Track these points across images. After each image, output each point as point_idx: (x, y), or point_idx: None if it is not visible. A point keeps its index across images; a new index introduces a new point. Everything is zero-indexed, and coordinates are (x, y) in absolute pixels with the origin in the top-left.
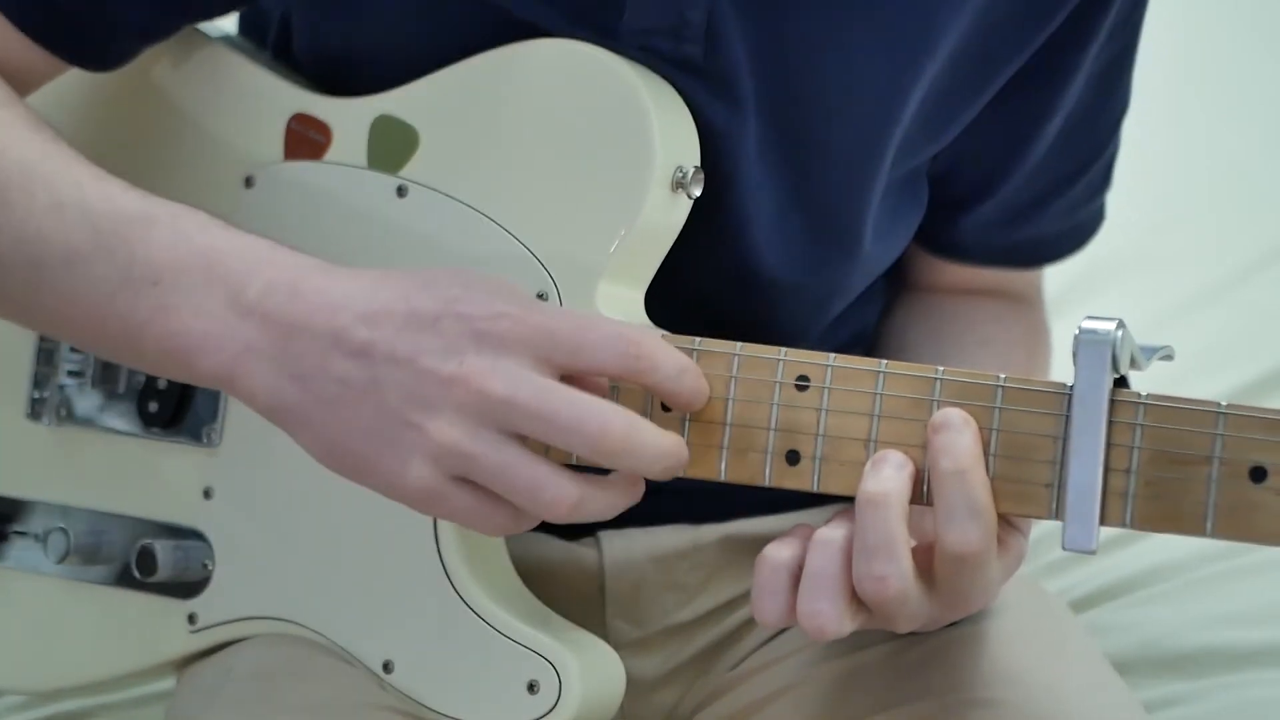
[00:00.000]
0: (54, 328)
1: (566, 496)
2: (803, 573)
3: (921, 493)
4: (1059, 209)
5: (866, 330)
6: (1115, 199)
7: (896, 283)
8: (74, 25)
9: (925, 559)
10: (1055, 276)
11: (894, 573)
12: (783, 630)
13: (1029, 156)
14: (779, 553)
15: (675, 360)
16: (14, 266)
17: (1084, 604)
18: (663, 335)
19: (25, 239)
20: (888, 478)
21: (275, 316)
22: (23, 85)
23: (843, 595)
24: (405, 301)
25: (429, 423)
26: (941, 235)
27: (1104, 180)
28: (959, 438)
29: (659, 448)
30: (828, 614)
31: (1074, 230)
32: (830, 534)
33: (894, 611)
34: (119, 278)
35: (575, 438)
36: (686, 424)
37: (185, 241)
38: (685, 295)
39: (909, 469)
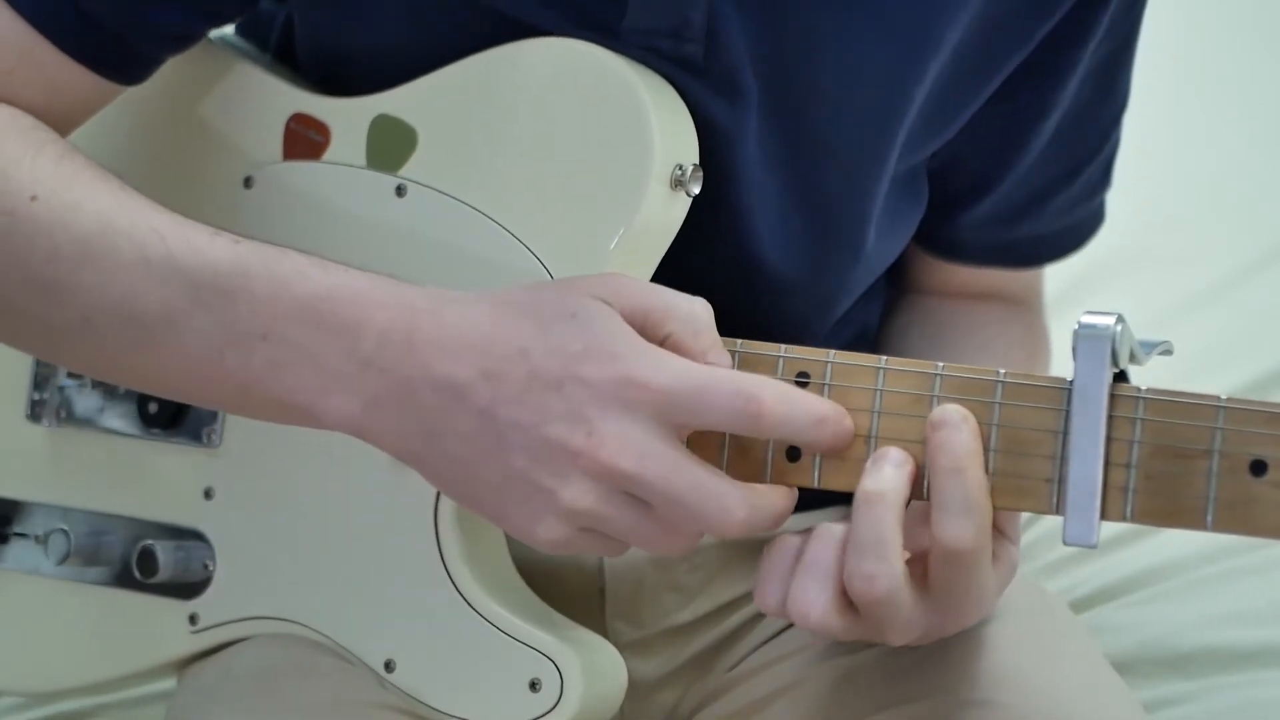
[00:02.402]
0: (162, 387)
1: (690, 546)
2: (800, 559)
3: (922, 489)
4: (1058, 206)
5: (869, 329)
6: (1115, 199)
7: (896, 285)
8: (112, 37)
9: (920, 567)
10: (1055, 276)
11: (883, 571)
12: (782, 630)
13: (1028, 153)
14: (789, 542)
15: (808, 412)
16: (111, 329)
17: (1084, 604)
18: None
19: (118, 298)
20: (887, 476)
21: (395, 370)
22: (68, 122)
23: (833, 586)
24: (525, 359)
25: (560, 489)
26: (941, 233)
27: (1104, 178)
28: (957, 434)
29: (776, 516)
30: (814, 600)
31: (1074, 228)
32: (835, 527)
33: (883, 614)
34: (223, 335)
35: (698, 522)
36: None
37: (286, 292)
38: (688, 292)
39: (909, 467)
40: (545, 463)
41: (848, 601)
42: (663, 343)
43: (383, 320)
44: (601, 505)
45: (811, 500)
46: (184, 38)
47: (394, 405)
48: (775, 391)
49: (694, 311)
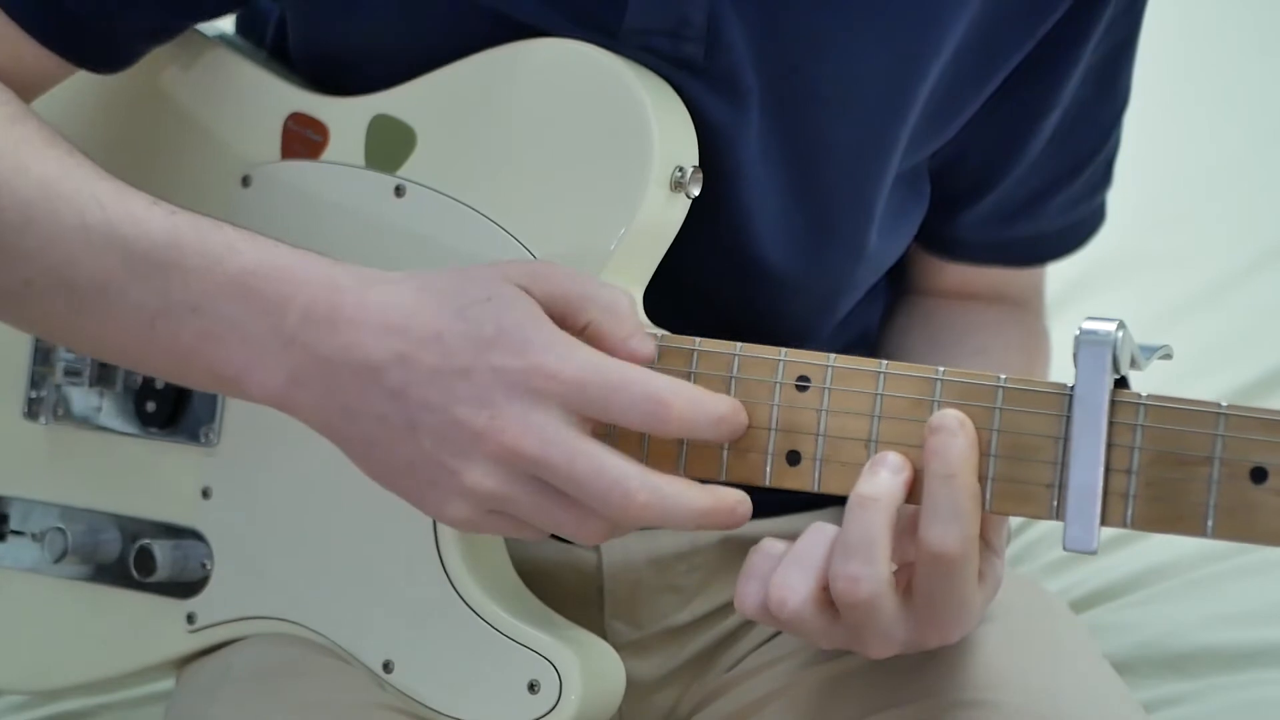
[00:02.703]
0: (98, 352)
1: (601, 534)
2: (790, 550)
3: (919, 493)
4: (1059, 205)
5: (871, 330)
6: (1115, 198)
7: (896, 286)
8: (83, 28)
9: (905, 577)
10: (1055, 277)
11: (867, 575)
12: (780, 632)
13: (1028, 151)
14: (774, 546)
15: (709, 412)
16: (51, 294)
17: (1084, 604)
18: (663, 336)
19: (56, 264)
20: (882, 481)
21: (315, 348)
22: (30, 90)
23: (815, 578)
24: (439, 342)
25: (464, 470)
26: (941, 232)
27: (1104, 177)
28: (952, 441)
29: (691, 509)
30: (795, 587)
31: (1074, 227)
32: (829, 526)
33: (863, 619)
34: (156, 304)
35: (600, 505)
36: None
37: (217, 266)
38: (690, 294)
39: (905, 474)
40: (451, 444)
41: (828, 599)
42: (583, 331)
43: (307, 297)
44: (505, 487)
45: (806, 502)
46: (160, 32)
47: (315, 382)
48: (684, 395)
49: (614, 300)
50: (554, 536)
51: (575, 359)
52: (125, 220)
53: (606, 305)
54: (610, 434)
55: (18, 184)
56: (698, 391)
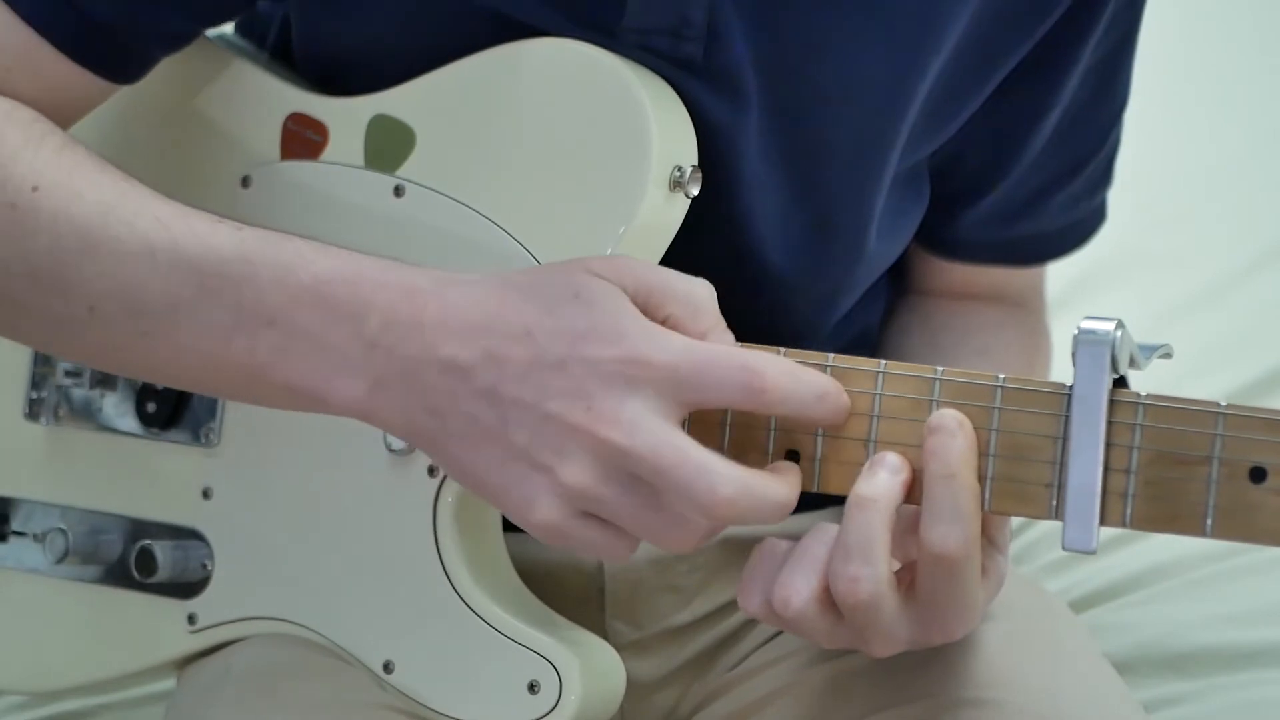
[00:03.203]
0: (168, 377)
1: (691, 538)
2: (793, 551)
3: (918, 493)
4: (1059, 204)
5: (871, 330)
6: (1115, 198)
7: (896, 285)
8: (108, 37)
9: (908, 576)
10: (1055, 277)
11: (867, 575)
12: (781, 631)
13: (1029, 150)
14: (776, 545)
15: (810, 388)
16: (117, 319)
17: (1084, 604)
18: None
19: (122, 288)
20: (881, 482)
21: (399, 351)
22: (66, 117)
23: (818, 579)
24: (530, 339)
25: (558, 466)
26: (942, 232)
27: (1105, 176)
28: (951, 441)
29: (773, 504)
30: (798, 588)
31: (1075, 227)
32: (832, 526)
33: (865, 620)
34: (230, 322)
35: (684, 499)
36: (686, 424)
37: (291, 276)
38: None
39: (904, 475)
40: (545, 439)
41: (832, 600)
42: (663, 324)
43: (386, 301)
44: (599, 485)
45: (807, 502)
46: (180, 36)
47: (399, 386)
48: (779, 366)
49: (693, 292)
50: None
51: (669, 345)
52: (191, 239)
53: (685, 297)
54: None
55: (75, 211)
56: (796, 366)
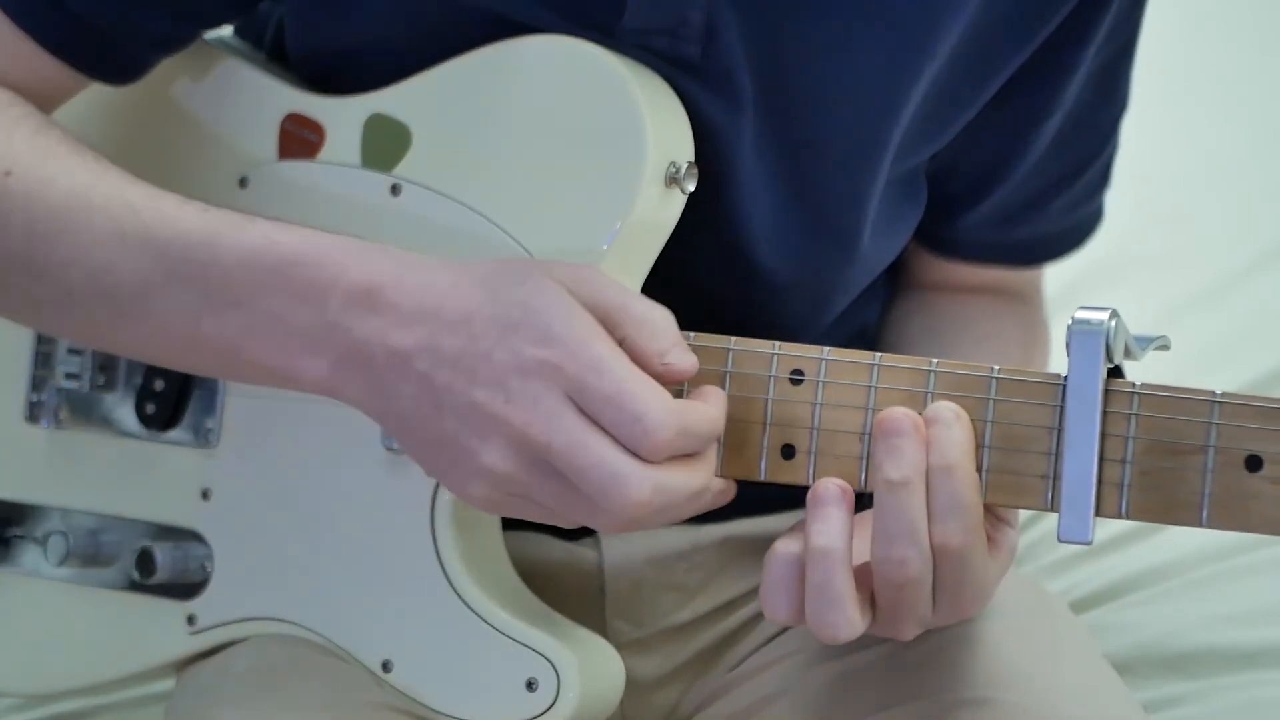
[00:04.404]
0: (146, 355)
1: (620, 525)
2: (806, 585)
3: None
4: (1058, 208)
5: (868, 328)
6: (1115, 198)
7: (896, 280)
8: (98, 40)
9: None
10: (1055, 276)
11: (913, 556)
12: (782, 630)
13: (1028, 155)
14: (788, 547)
15: (695, 443)
16: (91, 300)
17: (1084, 604)
18: None
19: (94, 271)
20: (908, 461)
21: (356, 334)
22: (46, 104)
23: (850, 602)
24: (466, 325)
25: (482, 452)
26: (941, 233)
27: (1103, 179)
28: (949, 433)
29: (690, 495)
30: (840, 623)
31: (1073, 229)
32: (825, 543)
33: (908, 599)
34: (198, 304)
35: (600, 498)
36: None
37: (255, 259)
38: (685, 292)
39: (924, 450)
40: (470, 425)
41: (866, 605)
42: (620, 344)
43: (347, 284)
44: (520, 471)
45: (786, 501)
46: (172, 41)
47: (356, 367)
48: (671, 425)
49: (650, 316)
50: (544, 529)
51: (585, 355)
52: (159, 222)
53: (641, 319)
54: None
55: (48, 194)
56: (692, 423)
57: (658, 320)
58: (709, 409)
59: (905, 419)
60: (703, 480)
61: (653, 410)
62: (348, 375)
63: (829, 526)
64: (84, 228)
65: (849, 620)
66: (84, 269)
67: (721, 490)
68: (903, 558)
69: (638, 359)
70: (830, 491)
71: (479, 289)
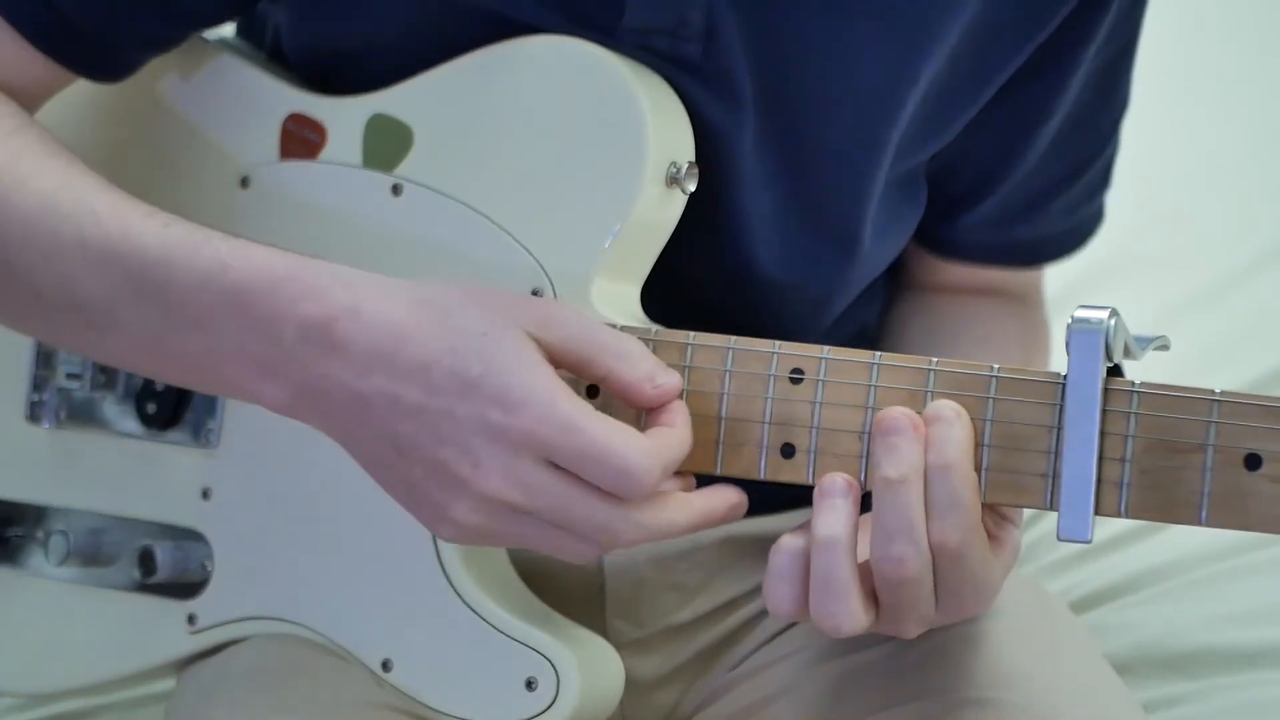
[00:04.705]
0: (119, 364)
1: (589, 554)
2: (811, 576)
3: None
4: (1059, 208)
5: (868, 328)
6: (1115, 198)
7: (896, 281)
8: (86, 38)
9: None
10: (1055, 276)
11: (911, 553)
12: (783, 630)
13: (1028, 156)
14: (793, 541)
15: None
16: (61, 308)
17: (1084, 604)
18: (657, 330)
19: (60, 280)
20: (906, 458)
21: (313, 368)
22: (32, 100)
23: (854, 594)
24: (425, 374)
25: (450, 505)
26: (940, 234)
27: (1103, 180)
28: (949, 431)
29: (684, 525)
30: (842, 615)
31: (1073, 230)
32: (831, 533)
33: (910, 597)
34: (160, 323)
35: (595, 537)
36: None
37: (210, 283)
38: (684, 293)
39: (921, 446)
40: (436, 480)
41: (870, 599)
42: (603, 381)
43: (299, 316)
44: (491, 523)
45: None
46: (161, 41)
47: (315, 397)
48: (655, 470)
49: (622, 345)
50: None
51: (552, 417)
52: (121, 236)
53: (617, 353)
54: (608, 405)
55: (17, 199)
56: (674, 462)
57: (631, 348)
58: (679, 431)
59: (903, 418)
60: (689, 517)
61: (632, 458)
62: (308, 406)
63: (835, 517)
64: (51, 236)
65: (851, 612)
66: (49, 277)
67: (735, 504)
68: (901, 555)
69: (626, 390)
70: (837, 484)
71: (439, 332)
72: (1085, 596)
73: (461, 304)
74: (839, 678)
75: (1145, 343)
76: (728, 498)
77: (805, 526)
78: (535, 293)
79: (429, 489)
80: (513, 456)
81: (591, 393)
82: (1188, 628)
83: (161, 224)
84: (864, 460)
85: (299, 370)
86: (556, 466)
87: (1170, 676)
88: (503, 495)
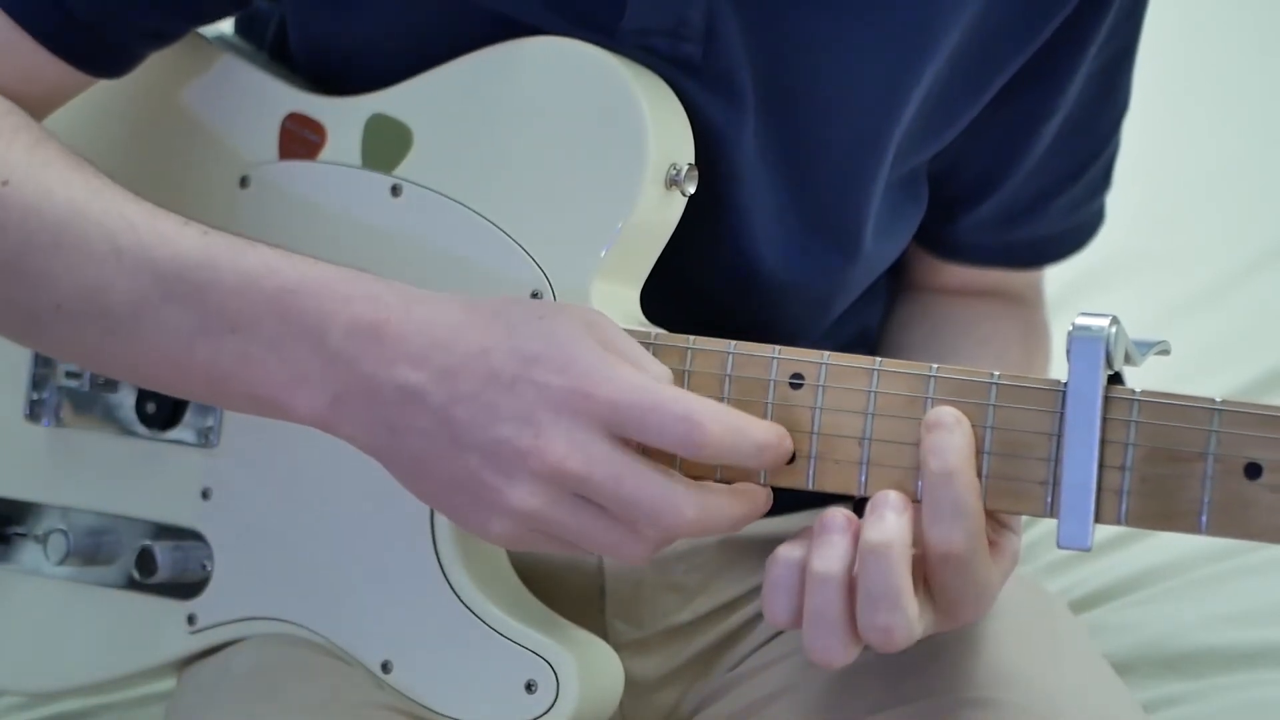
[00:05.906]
0: (132, 376)
1: (641, 552)
2: (804, 609)
3: (916, 490)
4: (1059, 209)
5: (869, 330)
6: (1116, 199)
7: (897, 282)
8: (89, 33)
9: (920, 569)
10: (1055, 277)
11: (898, 622)
12: (782, 631)
13: (1029, 156)
14: (791, 552)
15: (750, 440)
16: (83, 318)
17: (1084, 604)
18: (657, 335)
19: (88, 288)
20: (890, 525)
21: (359, 365)
22: (42, 106)
23: (847, 631)
24: (485, 358)
25: (508, 489)
26: (941, 235)
27: (1104, 180)
28: (950, 437)
29: (735, 516)
30: (835, 650)
31: (1074, 230)
32: (826, 568)
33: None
34: (193, 327)
35: (648, 523)
36: None
37: (254, 285)
38: (685, 294)
39: (909, 510)
40: (495, 461)
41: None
42: None
43: (350, 314)
44: (549, 507)
45: (803, 501)
46: (163, 35)
47: (359, 400)
48: (722, 421)
49: (655, 368)
50: None
51: (615, 380)
52: (158, 242)
53: (637, 357)
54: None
55: (45, 208)
56: (739, 419)
57: (664, 374)
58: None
59: (896, 494)
60: (744, 508)
61: (697, 406)
62: (348, 411)
63: (832, 553)
64: (81, 243)
65: (843, 648)
66: (76, 285)
67: (766, 500)
68: (887, 624)
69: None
70: (836, 521)
71: (494, 322)
72: (1085, 596)
73: (512, 302)
74: (838, 678)
75: (1146, 348)
76: (765, 493)
77: (803, 536)
78: (534, 295)
79: (485, 477)
80: (575, 422)
81: None
82: (1187, 628)
83: (200, 231)
84: (863, 466)
85: (342, 372)
86: (619, 441)
87: (1170, 676)
88: (564, 464)
